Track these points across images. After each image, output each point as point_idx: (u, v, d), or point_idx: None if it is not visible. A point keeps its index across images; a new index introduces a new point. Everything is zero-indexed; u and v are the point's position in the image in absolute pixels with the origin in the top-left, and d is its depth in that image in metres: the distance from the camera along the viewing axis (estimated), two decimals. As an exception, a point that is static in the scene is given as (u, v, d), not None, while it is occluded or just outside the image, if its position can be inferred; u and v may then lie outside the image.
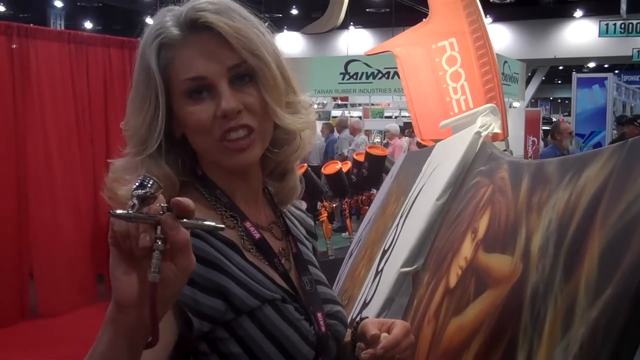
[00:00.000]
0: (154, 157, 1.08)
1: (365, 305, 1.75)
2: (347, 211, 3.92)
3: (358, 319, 1.29)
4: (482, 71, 3.82)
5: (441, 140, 3.84)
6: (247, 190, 1.17)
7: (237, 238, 1.11)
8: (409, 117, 18.30)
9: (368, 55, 4.60)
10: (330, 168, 3.84)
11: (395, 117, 19.16)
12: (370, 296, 1.73)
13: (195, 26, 1.07)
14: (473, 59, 3.83)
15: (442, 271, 1.46)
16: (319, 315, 1.16)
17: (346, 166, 3.94)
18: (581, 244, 0.97)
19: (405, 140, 11.22)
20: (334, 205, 3.96)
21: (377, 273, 1.79)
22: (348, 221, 3.98)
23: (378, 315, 1.62)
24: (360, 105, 20.23)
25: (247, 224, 1.13)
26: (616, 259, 0.87)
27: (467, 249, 1.38)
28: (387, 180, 2.51)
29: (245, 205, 1.16)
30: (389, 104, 20.06)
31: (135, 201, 0.76)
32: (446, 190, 1.64)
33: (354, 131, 11.23)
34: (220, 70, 1.07)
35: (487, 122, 1.62)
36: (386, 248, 1.84)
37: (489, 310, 1.16)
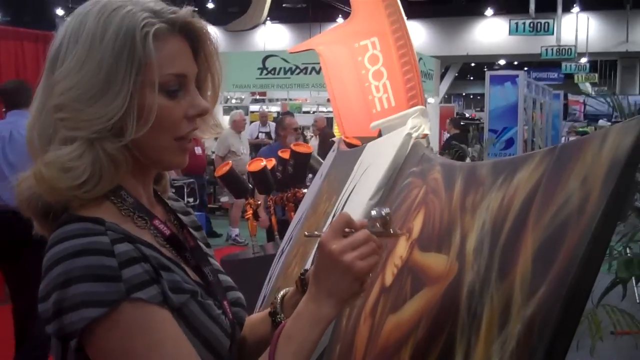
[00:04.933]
0: (118, 145, 1.09)
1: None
2: (272, 208, 3.94)
3: (304, 273, 1.33)
4: (404, 70, 3.92)
5: (364, 137, 3.90)
6: (145, 191, 1.20)
7: (151, 238, 1.13)
8: (326, 112, 18.43)
9: (291, 52, 4.63)
10: (255, 165, 3.84)
11: (313, 112, 19.26)
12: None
13: (181, 27, 1.12)
14: (394, 58, 3.92)
15: (377, 270, 1.50)
16: (225, 303, 1.22)
17: (270, 163, 3.95)
18: (515, 245, 1.02)
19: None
20: (259, 202, 3.97)
21: (310, 272, 1.82)
22: (273, 218, 4.00)
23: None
24: (278, 100, 20.26)
25: (156, 222, 1.16)
26: (549, 259, 0.92)
27: (402, 248, 1.42)
28: (317, 180, 2.55)
29: (148, 205, 1.18)
30: (306, 100, 20.16)
31: (380, 222, 1.13)
32: (378, 191, 1.68)
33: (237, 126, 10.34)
34: (194, 73, 1.14)
35: (417, 124, 1.67)
36: (319, 247, 1.86)
37: (426, 308, 1.21)
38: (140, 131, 1.07)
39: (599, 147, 0.93)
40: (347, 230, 1.10)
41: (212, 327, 1.13)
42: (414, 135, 1.66)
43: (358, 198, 1.75)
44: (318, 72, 15.82)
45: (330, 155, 2.44)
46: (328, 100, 20.53)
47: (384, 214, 1.14)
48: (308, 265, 1.91)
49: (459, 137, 11.80)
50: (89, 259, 1.01)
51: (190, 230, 1.29)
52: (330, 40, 4.10)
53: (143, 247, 1.07)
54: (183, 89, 1.13)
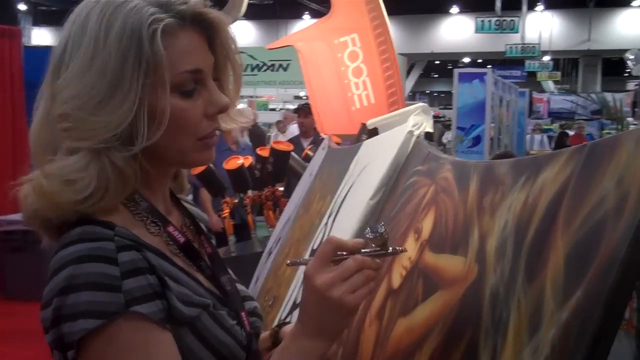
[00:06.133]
0: (126, 156, 1.01)
1: (295, 305, 1.73)
2: (249, 207, 3.88)
3: (276, 325, 1.30)
4: (384, 67, 3.89)
5: (343, 135, 3.87)
6: (162, 194, 1.13)
7: (163, 245, 1.07)
8: (292, 109, 18.35)
9: (270, 49, 4.58)
10: (232, 163, 3.78)
11: (280, 109, 19.24)
12: (302, 297, 1.71)
13: (193, 19, 1.04)
14: (375, 55, 3.90)
15: (383, 272, 1.46)
16: (243, 314, 1.16)
17: (247, 161, 3.90)
18: (543, 247, 0.99)
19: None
20: (236, 201, 3.91)
21: (307, 273, 1.78)
22: (250, 217, 3.94)
23: (313, 316, 1.59)
24: (244, 97, 20.18)
25: (170, 229, 1.09)
26: (584, 262, 0.89)
27: (410, 249, 1.38)
28: (306, 178, 2.50)
29: (162, 210, 1.12)
30: (272, 97, 20.13)
31: (379, 243, 1.03)
32: (379, 190, 1.64)
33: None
34: (210, 66, 1.06)
35: (419, 121, 1.64)
36: (315, 247, 1.82)
37: (443, 311, 1.17)
38: (154, 137, 1.00)
39: (635, 147, 0.90)
40: (339, 253, 1.02)
41: (226, 338, 1.07)
42: (416, 133, 1.63)
43: (357, 197, 1.71)
44: (285, 69, 15.79)
45: (320, 153, 2.40)
46: (295, 97, 20.59)
47: (381, 232, 1.04)
48: (301, 270, 1.86)
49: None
50: (90, 265, 0.95)
51: (208, 236, 1.24)
52: (309, 36, 4.05)
53: (152, 256, 1.01)
54: (200, 86, 1.05)
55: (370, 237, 1.04)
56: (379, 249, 1.04)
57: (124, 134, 1.00)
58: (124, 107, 0.98)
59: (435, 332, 1.17)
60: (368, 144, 1.90)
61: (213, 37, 1.09)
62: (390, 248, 1.06)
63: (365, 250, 1.03)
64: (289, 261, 1.13)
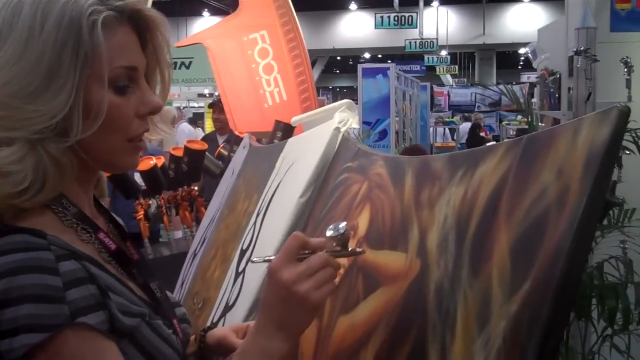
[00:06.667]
0: (63, 147, 0.98)
1: (228, 307, 1.71)
2: (164, 208, 3.80)
3: (202, 330, 1.29)
4: (294, 63, 3.89)
5: (257, 132, 3.84)
6: (88, 199, 1.09)
7: (95, 252, 1.03)
8: (197, 107, 18.14)
9: (178, 47, 4.49)
10: (144, 164, 3.69)
11: (184, 107, 18.99)
12: (234, 299, 1.68)
13: (130, 16, 1.02)
14: (285, 51, 3.89)
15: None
16: (175, 322, 1.13)
17: (160, 161, 3.81)
18: (485, 240, 1.00)
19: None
20: (150, 202, 3.82)
21: (237, 274, 1.75)
22: (165, 218, 3.86)
23: (247, 318, 1.58)
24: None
25: (101, 235, 1.05)
26: (529, 254, 0.90)
27: (347, 246, 1.37)
28: (228, 177, 2.46)
29: (89, 215, 1.07)
30: (177, 95, 19.85)
31: (340, 242, 1.04)
32: (309, 187, 1.63)
33: None
34: (143, 66, 1.05)
35: (344, 118, 1.64)
36: (245, 248, 1.80)
37: (387, 307, 1.17)
38: (88, 131, 0.97)
39: (572, 139, 0.92)
40: (302, 252, 1.01)
41: (165, 348, 1.03)
42: (342, 129, 1.63)
43: (286, 196, 1.70)
44: (188, 67, 15.58)
45: (242, 152, 2.37)
46: (199, 95, 20.30)
47: (342, 232, 1.04)
48: (231, 271, 1.84)
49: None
50: (29, 277, 0.90)
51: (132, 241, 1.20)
52: (217, 33, 4.00)
53: (90, 265, 0.97)
54: (133, 84, 1.03)
55: (333, 235, 1.04)
56: (339, 248, 1.05)
57: (59, 126, 0.96)
58: (60, 98, 0.95)
59: (381, 329, 1.17)
60: (293, 142, 1.89)
61: (146, 37, 1.07)
62: (350, 248, 1.07)
63: (328, 250, 1.03)
64: (254, 258, 1.11)
